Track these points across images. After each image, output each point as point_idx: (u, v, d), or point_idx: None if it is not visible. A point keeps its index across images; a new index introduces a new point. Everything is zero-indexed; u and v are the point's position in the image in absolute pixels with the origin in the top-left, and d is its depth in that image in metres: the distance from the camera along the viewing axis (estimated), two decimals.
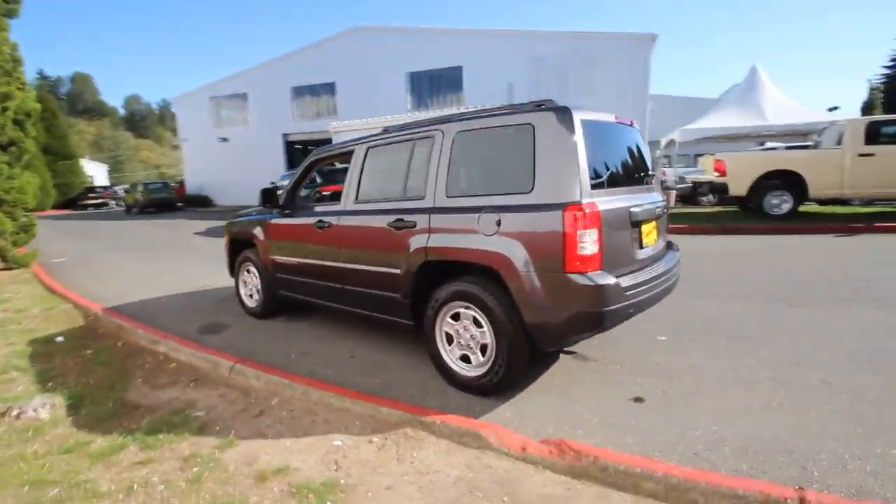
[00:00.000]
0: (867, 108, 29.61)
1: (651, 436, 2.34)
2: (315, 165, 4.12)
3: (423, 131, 3.13)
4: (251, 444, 2.35)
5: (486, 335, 2.73)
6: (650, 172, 3.21)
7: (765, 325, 3.82)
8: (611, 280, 2.40)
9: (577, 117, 2.51)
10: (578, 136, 2.47)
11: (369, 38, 20.15)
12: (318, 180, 12.01)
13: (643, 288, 2.63)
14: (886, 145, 8.33)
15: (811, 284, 4.93)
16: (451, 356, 2.95)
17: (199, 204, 24.15)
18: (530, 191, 2.52)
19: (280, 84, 22.16)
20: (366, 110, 19.15)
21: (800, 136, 14.50)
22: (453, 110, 15.52)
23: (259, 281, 4.56)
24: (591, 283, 2.36)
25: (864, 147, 8.40)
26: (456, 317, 2.89)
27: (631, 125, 3.13)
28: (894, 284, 4.74)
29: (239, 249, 4.87)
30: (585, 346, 3.50)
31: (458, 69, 18.65)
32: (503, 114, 2.79)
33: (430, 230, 2.90)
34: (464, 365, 2.89)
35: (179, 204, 23.24)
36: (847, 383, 2.77)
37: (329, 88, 21.40)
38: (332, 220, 3.60)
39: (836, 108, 18.71)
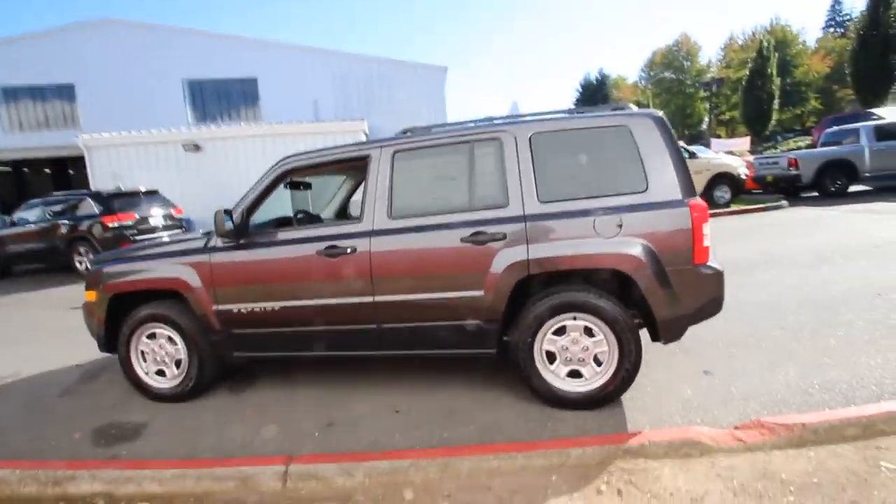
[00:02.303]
0: None
1: (771, 396, 2.66)
2: (285, 178, 3.12)
3: (481, 132, 2.79)
4: None
5: (604, 343, 2.61)
6: None
7: None
8: (720, 266, 2.64)
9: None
10: (674, 138, 2.64)
11: (126, 35, 16.16)
12: (96, 210, 9.07)
13: None
14: None
15: None
16: (557, 375, 2.69)
17: None
18: (645, 190, 2.55)
19: None
20: (125, 121, 15.34)
21: None
22: (261, 126, 13.90)
23: (183, 347, 3.15)
24: (714, 272, 2.55)
25: None
26: (560, 331, 2.66)
27: None
28: (751, 251, 6.54)
29: (125, 308, 3.26)
30: None
31: (253, 81, 16.78)
32: (581, 116, 2.75)
33: (527, 240, 2.59)
34: (574, 381, 2.68)
35: None
36: (821, 326, 3.64)
37: (65, 92, 16.18)
38: (355, 243, 2.80)
39: None
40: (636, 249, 2.48)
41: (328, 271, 2.84)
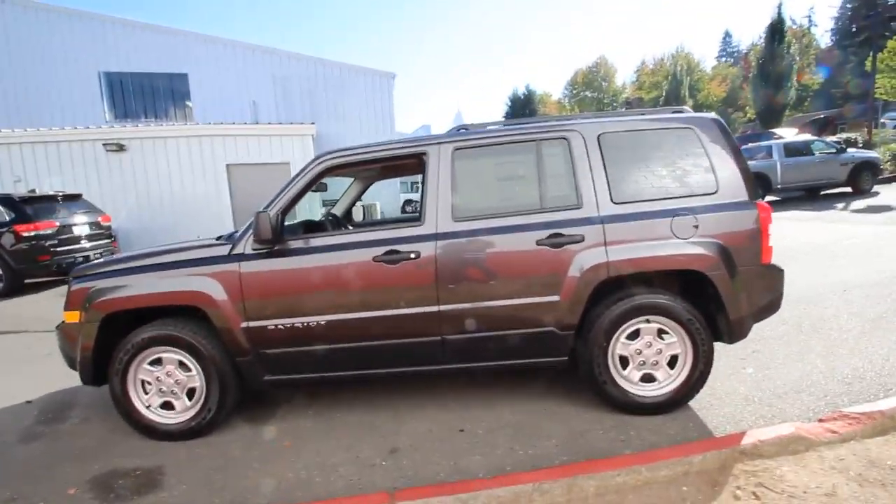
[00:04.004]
0: None
1: (818, 387, 2.81)
2: (325, 175, 2.78)
3: (547, 131, 2.69)
4: None
5: (677, 345, 2.61)
6: None
7: None
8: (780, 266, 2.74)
9: None
10: (734, 140, 2.72)
11: (27, 17, 14.05)
12: (5, 216, 7.75)
13: None
14: None
15: None
16: (629, 381, 2.63)
17: None
18: (715, 192, 2.59)
19: None
20: (28, 115, 13.44)
21: None
22: (197, 126, 12.73)
23: (200, 373, 2.68)
24: (778, 271, 2.65)
25: None
26: (633, 335, 2.62)
27: None
28: None
29: (118, 329, 2.72)
30: None
31: (183, 77, 15.32)
32: (645, 118, 2.75)
33: (606, 242, 2.52)
34: (648, 385, 2.64)
35: None
36: (815, 320, 3.94)
37: None
38: (418, 248, 2.56)
39: None
40: (714, 250, 2.50)
41: (388, 279, 2.56)
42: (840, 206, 10.87)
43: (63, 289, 8.18)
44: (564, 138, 2.66)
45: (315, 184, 2.79)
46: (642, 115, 2.80)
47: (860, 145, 16.42)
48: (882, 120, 22.67)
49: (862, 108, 22.93)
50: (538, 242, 2.53)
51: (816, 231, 8.13)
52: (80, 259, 8.16)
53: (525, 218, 2.59)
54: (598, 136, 2.66)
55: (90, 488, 2.33)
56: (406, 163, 2.90)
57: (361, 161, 2.79)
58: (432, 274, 2.55)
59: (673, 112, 2.81)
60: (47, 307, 6.90)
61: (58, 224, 7.96)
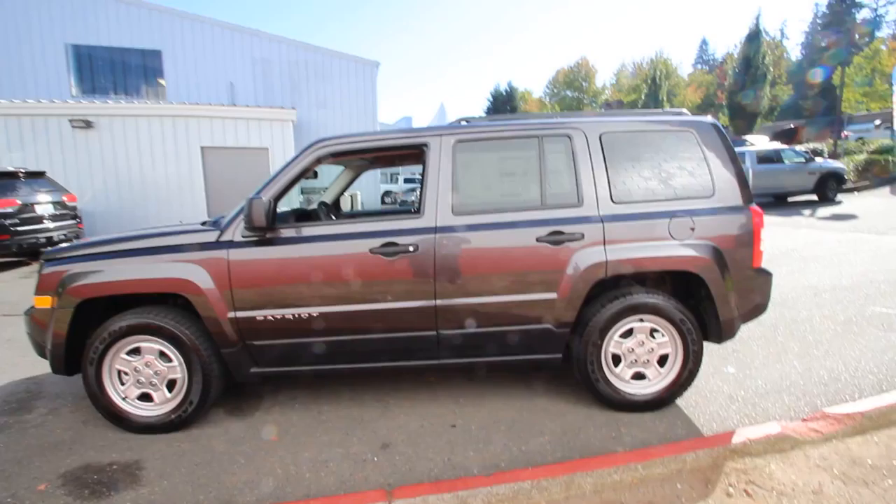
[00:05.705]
0: None
1: (797, 388, 2.90)
2: (320, 162, 2.68)
3: (550, 128, 2.67)
4: None
5: (668, 345, 2.64)
6: None
7: None
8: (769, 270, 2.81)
9: None
10: (731, 145, 2.76)
11: None
12: None
13: None
14: None
15: None
16: (621, 378, 2.66)
17: None
18: (712, 195, 2.63)
19: None
20: None
21: None
22: (172, 105, 12.22)
23: (182, 364, 2.56)
24: (767, 274, 2.71)
25: None
26: (627, 333, 2.64)
27: None
28: None
29: (93, 317, 2.58)
30: None
31: (156, 54, 14.65)
32: (646, 120, 2.76)
33: (605, 241, 2.52)
34: (639, 383, 2.67)
35: None
36: (790, 323, 4.11)
37: None
38: (417, 241, 2.50)
39: None
40: (709, 252, 2.54)
41: (384, 272, 2.50)
42: (807, 212, 11.32)
43: (24, 270, 7.82)
44: (567, 136, 2.65)
45: (310, 170, 2.69)
46: (643, 115, 2.81)
47: (826, 156, 17.14)
48: (844, 133, 23.79)
49: (827, 121, 24.02)
50: (538, 239, 2.52)
51: (785, 236, 8.44)
52: (43, 240, 7.75)
53: (525, 214, 2.57)
54: (601, 135, 2.65)
55: (62, 484, 2.20)
56: (404, 153, 2.84)
57: (359, 150, 2.71)
58: (430, 268, 2.50)
59: (673, 114, 2.83)
60: (7, 289, 6.52)
61: (19, 202, 7.52)
